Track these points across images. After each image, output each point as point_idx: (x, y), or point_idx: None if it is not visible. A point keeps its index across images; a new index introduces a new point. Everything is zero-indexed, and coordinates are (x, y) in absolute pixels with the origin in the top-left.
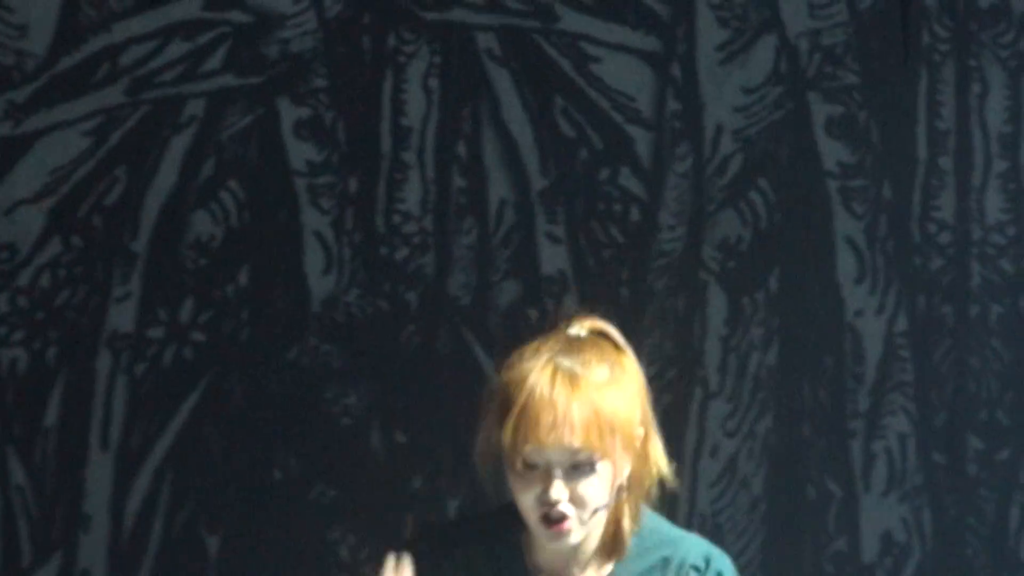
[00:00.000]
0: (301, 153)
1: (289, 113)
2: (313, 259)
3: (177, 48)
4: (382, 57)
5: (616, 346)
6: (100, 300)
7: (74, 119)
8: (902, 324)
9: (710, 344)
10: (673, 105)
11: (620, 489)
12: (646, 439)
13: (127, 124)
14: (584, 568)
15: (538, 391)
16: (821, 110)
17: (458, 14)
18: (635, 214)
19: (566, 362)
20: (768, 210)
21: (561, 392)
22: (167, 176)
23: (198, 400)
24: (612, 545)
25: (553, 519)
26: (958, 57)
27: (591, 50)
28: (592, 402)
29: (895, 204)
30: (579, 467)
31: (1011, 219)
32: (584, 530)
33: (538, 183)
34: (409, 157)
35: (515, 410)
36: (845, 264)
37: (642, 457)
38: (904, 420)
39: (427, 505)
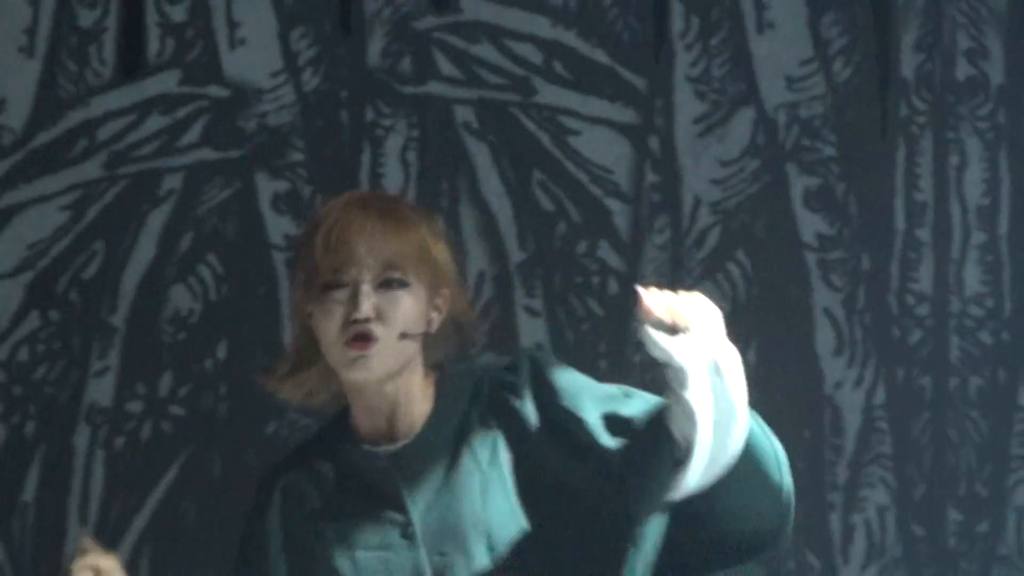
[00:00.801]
0: (279, 227)
1: (267, 187)
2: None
3: (155, 122)
4: (360, 131)
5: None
6: (78, 374)
7: (52, 193)
8: (881, 396)
9: None
10: (651, 177)
11: (427, 339)
12: (455, 301)
13: (105, 198)
14: (405, 426)
15: (351, 211)
16: (799, 182)
17: (435, 87)
18: (614, 287)
19: (383, 198)
20: (746, 282)
21: (373, 213)
22: (145, 250)
23: (177, 474)
24: (424, 399)
25: (357, 337)
26: (936, 129)
27: (569, 123)
28: (409, 229)
29: (873, 276)
30: (389, 284)
31: (989, 291)
32: (390, 358)
33: (516, 256)
34: None
35: (327, 227)
36: (824, 336)
37: (452, 314)
38: (883, 492)
39: None
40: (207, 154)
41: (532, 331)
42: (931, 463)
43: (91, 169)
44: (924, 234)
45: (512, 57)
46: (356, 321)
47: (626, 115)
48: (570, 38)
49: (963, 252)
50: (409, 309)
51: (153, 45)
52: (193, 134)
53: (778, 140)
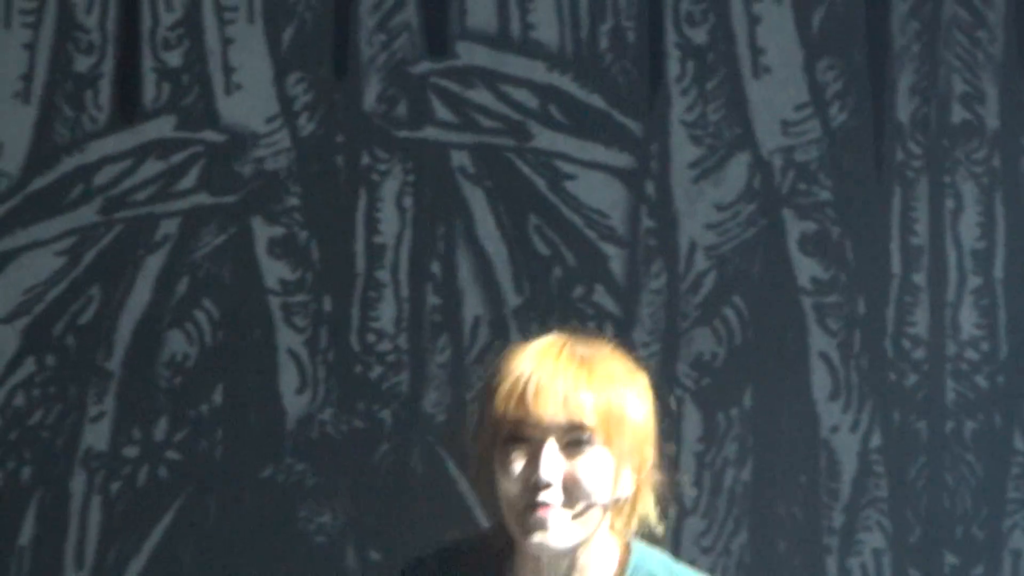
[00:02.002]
0: (275, 272)
1: (263, 232)
2: (287, 378)
3: (151, 167)
4: (356, 176)
5: (632, 363)
6: (74, 419)
7: (48, 238)
8: (877, 440)
9: (685, 460)
10: (647, 222)
11: (617, 505)
12: (650, 471)
13: (101, 243)
14: None
15: (544, 362)
16: (795, 227)
17: (431, 132)
18: (609, 331)
19: (580, 348)
20: (742, 327)
21: (570, 366)
22: (141, 295)
23: (173, 519)
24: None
25: (539, 503)
26: (932, 173)
27: (565, 168)
28: (605, 386)
29: (869, 320)
30: (579, 445)
31: (985, 335)
32: (571, 532)
33: (512, 300)
34: (383, 275)
35: (516, 376)
36: (819, 380)
37: (643, 485)
38: (879, 536)
39: None
40: (203, 199)
41: None
42: (927, 507)
43: (87, 214)
44: (920, 278)
45: (508, 102)
46: (537, 486)
47: (622, 160)
48: (566, 83)
49: (959, 296)
50: (597, 474)
51: (149, 90)
52: (189, 179)
53: (774, 184)
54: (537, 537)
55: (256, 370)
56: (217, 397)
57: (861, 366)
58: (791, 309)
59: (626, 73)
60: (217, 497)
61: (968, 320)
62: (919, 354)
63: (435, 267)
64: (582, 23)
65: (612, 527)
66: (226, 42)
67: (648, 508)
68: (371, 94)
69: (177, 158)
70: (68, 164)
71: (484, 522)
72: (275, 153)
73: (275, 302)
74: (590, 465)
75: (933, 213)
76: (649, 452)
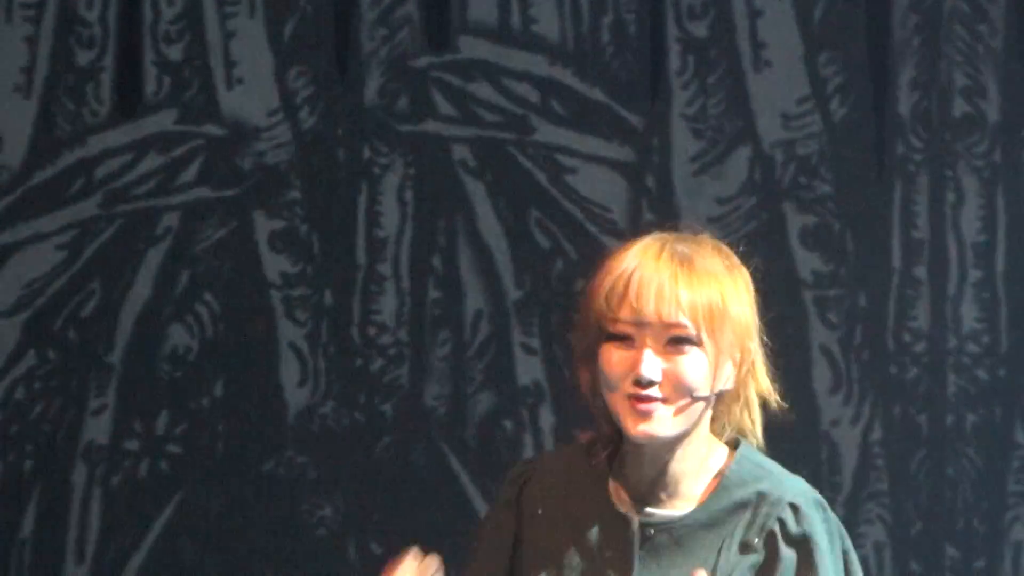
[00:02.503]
0: (276, 265)
1: (264, 225)
2: (288, 371)
3: (152, 161)
4: (357, 169)
5: (734, 259)
6: (75, 413)
7: (49, 232)
8: (877, 433)
9: None
10: (648, 216)
11: (720, 397)
12: (753, 363)
13: (102, 237)
14: (673, 494)
15: (645, 261)
16: (796, 220)
17: (432, 126)
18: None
19: (680, 246)
20: None
21: (670, 265)
22: (142, 288)
23: (173, 512)
24: (703, 471)
25: (642, 397)
26: (933, 167)
27: (566, 161)
28: (704, 283)
29: (870, 313)
30: (679, 343)
31: (986, 328)
32: (673, 424)
33: (513, 294)
34: (384, 269)
35: (617, 274)
36: (820, 373)
37: (747, 379)
38: (880, 529)
39: None
40: (204, 193)
41: (529, 369)
42: (928, 500)
43: (88, 208)
44: (921, 272)
45: (509, 95)
46: (639, 383)
47: (623, 153)
48: (567, 76)
49: (960, 289)
50: (697, 370)
51: (150, 84)
52: (190, 173)
53: (775, 178)
54: (641, 427)
55: (257, 363)
56: (218, 390)
57: (862, 359)
58: (792, 302)
59: (627, 67)
60: (218, 490)
61: (969, 313)
62: (920, 347)
63: (436, 260)
64: (583, 17)
65: (713, 423)
66: (227, 36)
67: (751, 403)
68: (372, 88)
69: (178, 152)
70: (69, 158)
71: (482, 514)
72: (276, 147)
73: (276, 295)
74: (691, 362)
75: (934, 207)
76: (751, 347)
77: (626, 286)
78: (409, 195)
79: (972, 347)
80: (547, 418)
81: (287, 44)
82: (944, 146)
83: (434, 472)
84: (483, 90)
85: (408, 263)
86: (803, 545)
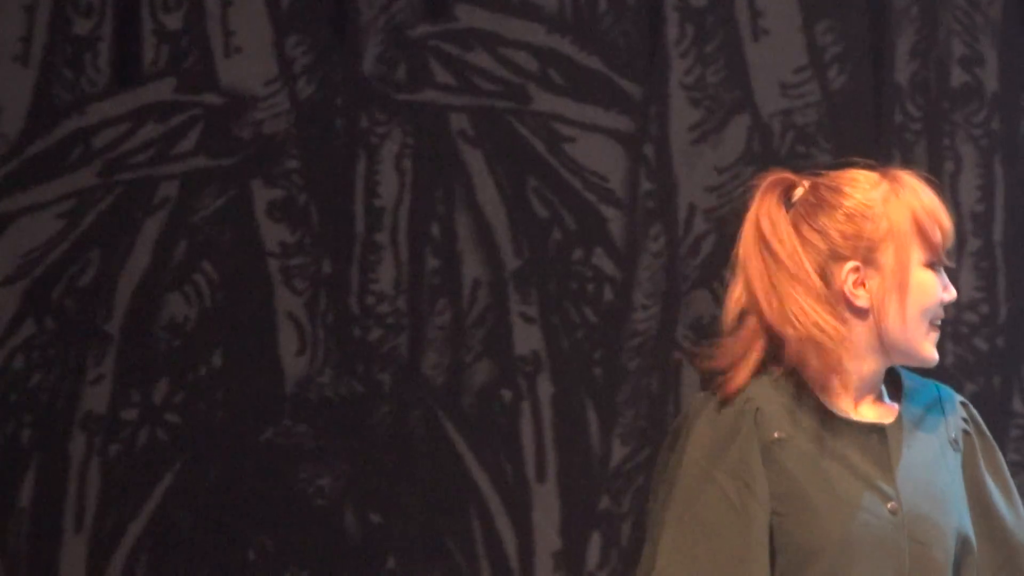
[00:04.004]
0: (274, 234)
1: (262, 194)
2: (287, 340)
3: (150, 130)
4: (355, 138)
5: None
6: (73, 382)
7: (47, 201)
8: None
9: None
10: (646, 185)
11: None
12: None
13: (100, 206)
14: (872, 402)
15: (928, 191)
16: None
17: (430, 95)
18: (608, 294)
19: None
20: None
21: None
22: (140, 258)
23: (172, 481)
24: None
25: (939, 325)
26: (931, 136)
27: (564, 130)
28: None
29: None
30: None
31: (984, 297)
32: None
33: (511, 263)
34: (382, 238)
35: (926, 206)
36: None
37: None
38: None
39: None
40: (202, 162)
41: (527, 338)
42: None
43: (86, 177)
44: None
45: (507, 64)
46: (944, 305)
47: (621, 122)
48: (565, 45)
49: (958, 258)
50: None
51: (148, 53)
52: (188, 142)
53: (773, 147)
54: (933, 351)
55: (255, 333)
56: (216, 360)
57: None
58: None
59: (625, 36)
60: (216, 460)
61: (967, 283)
62: None
63: (434, 229)
64: None
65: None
66: (225, 4)
67: None
68: (370, 57)
69: (176, 120)
70: (67, 127)
71: (484, 489)
72: (274, 116)
73: (274, 264)
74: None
75: (932, 175)
76: None
77: (939, 215)
78: (407, 164)
79: (971, 316)
80: (545, 387)
81: (285, 13)
82: (942, 115)
83: (432, 441)
84: (481, 59)
85: (406, 232)
86: (984, 438)
